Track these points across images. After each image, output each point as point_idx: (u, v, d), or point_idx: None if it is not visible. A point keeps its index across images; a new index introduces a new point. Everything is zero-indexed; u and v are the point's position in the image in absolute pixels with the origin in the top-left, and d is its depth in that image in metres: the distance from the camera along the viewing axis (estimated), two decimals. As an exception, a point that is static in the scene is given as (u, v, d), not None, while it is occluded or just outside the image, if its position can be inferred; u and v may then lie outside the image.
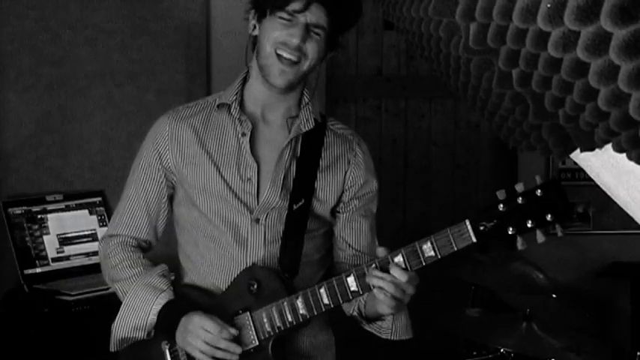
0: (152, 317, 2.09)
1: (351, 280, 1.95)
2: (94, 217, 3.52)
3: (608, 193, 1.98)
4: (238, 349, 1.99)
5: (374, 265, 1.93)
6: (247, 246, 2.10)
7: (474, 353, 3.22)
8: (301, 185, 2.11)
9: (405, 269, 1.92)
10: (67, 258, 3.40)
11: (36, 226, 3.36)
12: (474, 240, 1.87)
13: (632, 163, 1.32)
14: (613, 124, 1.24)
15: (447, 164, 4.38)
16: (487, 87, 1.78)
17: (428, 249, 1.92)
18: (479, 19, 1.40)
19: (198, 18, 3.75)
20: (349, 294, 1.96)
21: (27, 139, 3.45)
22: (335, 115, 4.18)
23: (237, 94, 2.14)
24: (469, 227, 1.87)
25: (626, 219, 2.39)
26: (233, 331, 2.00)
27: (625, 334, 4.23)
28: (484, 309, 3.34)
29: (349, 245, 2.17)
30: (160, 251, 2.33)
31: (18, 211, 3.34)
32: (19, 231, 3.32)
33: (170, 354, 2.08)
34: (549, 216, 1.81)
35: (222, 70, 3.62)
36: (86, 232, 3.48)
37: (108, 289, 3.16)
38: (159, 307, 2.08)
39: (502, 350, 3.02)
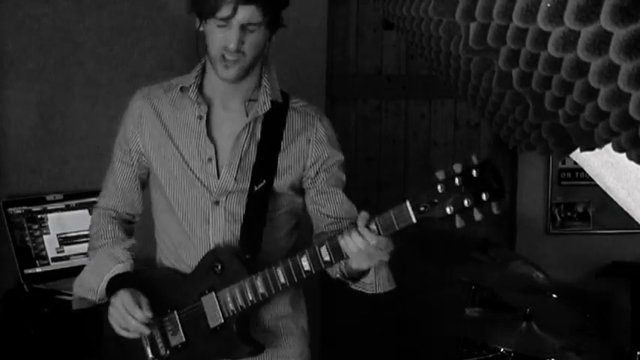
0: (103, 284, 2.24)
1: (304, 260, 2.04)
2: (94, 217, 3.52)
3: (608, 193, 1.98)
4: (146, 331, 2.15)
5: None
6: (209, 227, 2.20)
7: (474, 353, 3.22)
8: (262, 167, 2.19)
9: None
10: (67, 258, 3.40)
11: (36, 226, 3.36)
12: (414, 220, 1.95)
13: (632, 163, 1.32)
14: (613, 124, 1.24)
15: (446, 164, 4.37)
16: (487, 87, 1.78)
17: (374, 229, 1.96)
18: (479, 18, 1.41)
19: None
20: (303, 273, 2.05)
21: (27, 139, 3.45)
22: (335, 115, 4.18)
23: (196, 77, 2.25)
24: (409, 208, 1.94)
25: (625, 219, 2.39)
26: (142, 316, 2.13)
27: (625, 334, 4.23)
28: (484, 309, 3.34)
29: (326, 215, 2.23)
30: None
31: (18, 211, 3.34)
32: (19, 231, 3.32)
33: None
34: (484, 195, 1.89)
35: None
36: (86, 232, 3.47)
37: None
38: (111, 276, 2.24)
39: (502, 350, 3.02)
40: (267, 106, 2.20)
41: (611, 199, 2.04)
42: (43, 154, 3.48)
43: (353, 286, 2.18)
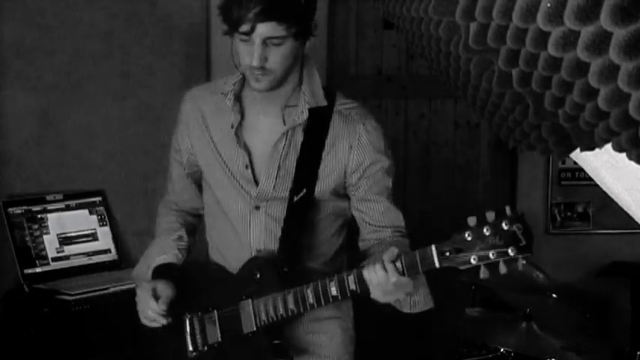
0: (149, 272, 2.27)
1: (332, 286, 2.02)
2: (94, 217, 3.52)
3: (608, 193, 1.98)
4: (162, 321, 2.19)
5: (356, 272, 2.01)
6: (250, 230, 2.20)
7: (474, 353, 3.22)
8: (301, 176, 2.14)
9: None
10: (67, 258, 3.40)
11: (36, 226, 3.36)
12: (437, 265, 1.92)
13: (632, 163, 1.32)
14: (613, 124, 1.24)
15: (447, 164, 4.38)
16: (487, 87, 1.78)
17: (398, 267, 1.96)
18: (479, 18, 1.41)
19: (198, 18, 3.75)
20: (330, 298, 2.04)
21: (27, 139, 3.45)
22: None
23: (234, 84, 2.19)
24: (434, 252, 1.92)
25: (625, 219, 2.38)
26: (156, 308, 2.17)
27: (625, 334, 4.23)
28: (484, 309, 3.34)
29: (368, 223, 2.19)
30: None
31: (18, 210, 3.34)
32: (19, 231, 3.32)
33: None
34: (511, 250, 1.89)
35: (222, 70, 3.61)
36: (86, 232, 3.48)
37: (107, 288, 3.18)
38: (154, 265, 2.27)
39: (502, 350, 3.02)
40: (305, 115, 2.13)
41: (611, 199, 2.04)
42: (43, 155, 3.48)
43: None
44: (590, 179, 2.19)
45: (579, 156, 1.79)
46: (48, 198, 3.43)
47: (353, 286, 2.00)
